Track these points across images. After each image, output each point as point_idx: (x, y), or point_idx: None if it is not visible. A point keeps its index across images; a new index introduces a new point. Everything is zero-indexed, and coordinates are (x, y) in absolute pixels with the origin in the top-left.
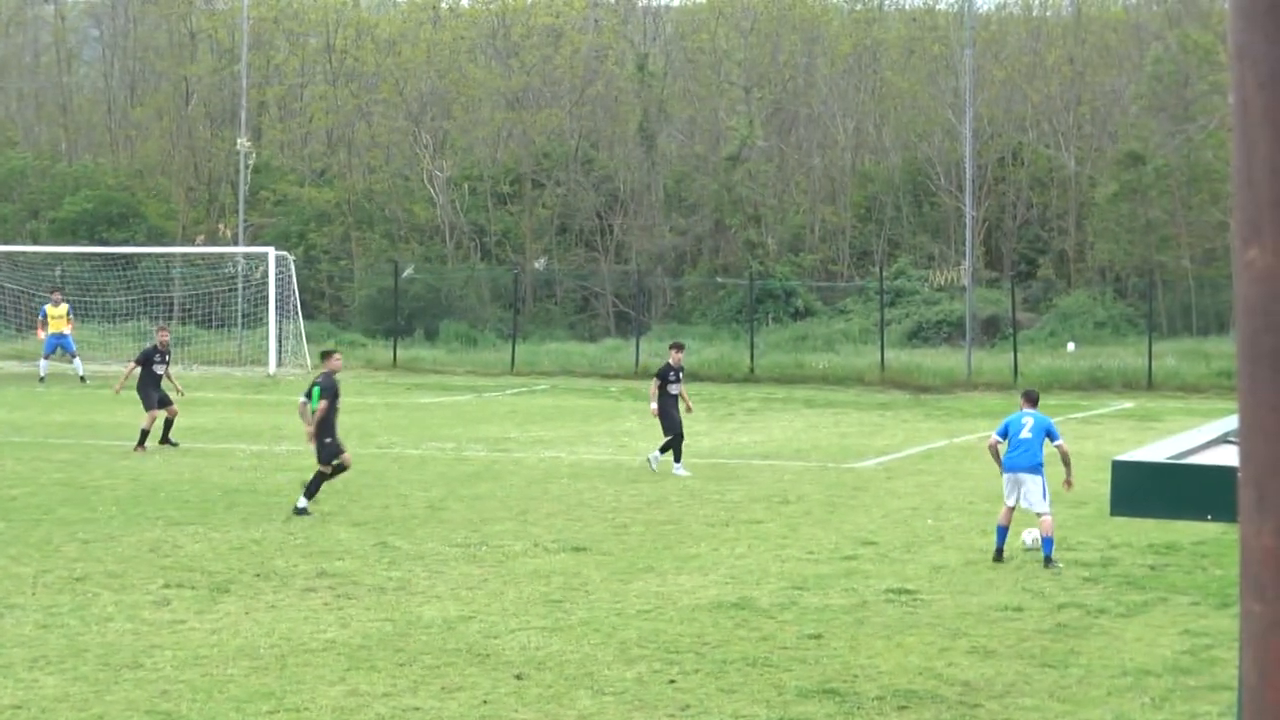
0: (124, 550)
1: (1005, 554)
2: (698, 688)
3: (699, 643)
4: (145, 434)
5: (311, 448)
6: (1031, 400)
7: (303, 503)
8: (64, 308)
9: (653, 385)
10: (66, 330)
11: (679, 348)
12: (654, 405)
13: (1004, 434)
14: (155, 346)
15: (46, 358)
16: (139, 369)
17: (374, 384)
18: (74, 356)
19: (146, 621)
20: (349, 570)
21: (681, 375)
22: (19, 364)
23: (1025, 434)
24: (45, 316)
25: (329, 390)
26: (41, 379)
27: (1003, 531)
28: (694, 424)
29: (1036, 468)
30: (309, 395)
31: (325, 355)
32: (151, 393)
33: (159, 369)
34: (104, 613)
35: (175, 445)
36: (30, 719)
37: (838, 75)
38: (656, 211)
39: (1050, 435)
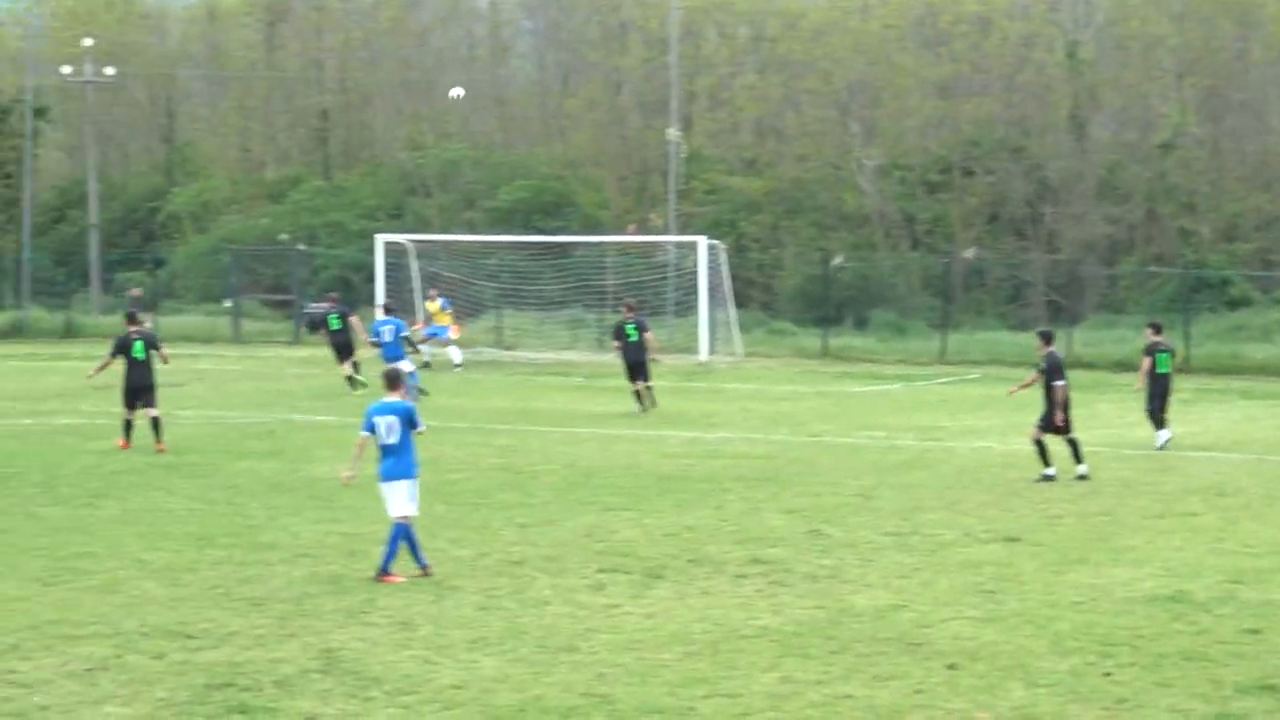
0: (560, 535)
1: None
2: (1133, 681)
3: (1134, 636)
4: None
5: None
6: None
7: (1083, 469)
8: (438, 303)
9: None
10: (447, 324)
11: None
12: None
13: None
14: (624, 320)
15: (424, 341)
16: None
17: (804, 372)
18: (447, 344)
19: (582, 605)
20: (781, 557)
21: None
22: (457, 352)
23: None
24: (427, 313)
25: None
26: (457, 365)
27: None
28: (1126, 414)
29: None
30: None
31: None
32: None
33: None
34: (541, 596)
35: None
36: (470, 698)
37: (1274, 60)
38: (1088, 199)
39: None
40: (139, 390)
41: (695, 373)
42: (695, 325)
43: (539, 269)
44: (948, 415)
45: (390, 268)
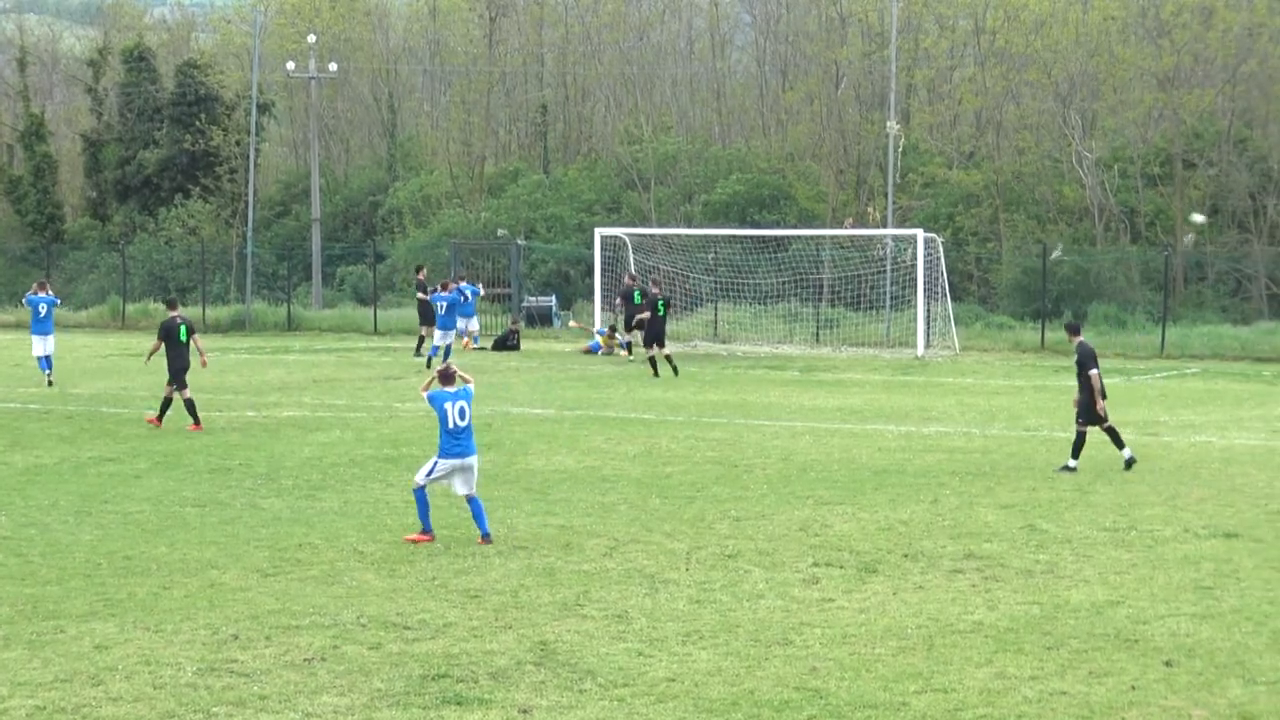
0: (774, 529)
1: None
2: None
3: None
4: None
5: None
6: None
7: (1072, 463)
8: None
9: None
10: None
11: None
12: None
13: None
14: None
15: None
16: None
17: (1022, 366)
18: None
19: (796, 599)
20: (996, 552)
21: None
22: (675, 344)
23: None
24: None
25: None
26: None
27: None
28: None
29: None
30: None
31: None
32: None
33: None
34: (755, 589)
35: None
36: (683, 691)
37: None
38: None
39: None
40: (184, 370)
41: (912, 366)
42: (912, 319)
43: (755, 262)
44: (1166, 410)
45: (608, 261)
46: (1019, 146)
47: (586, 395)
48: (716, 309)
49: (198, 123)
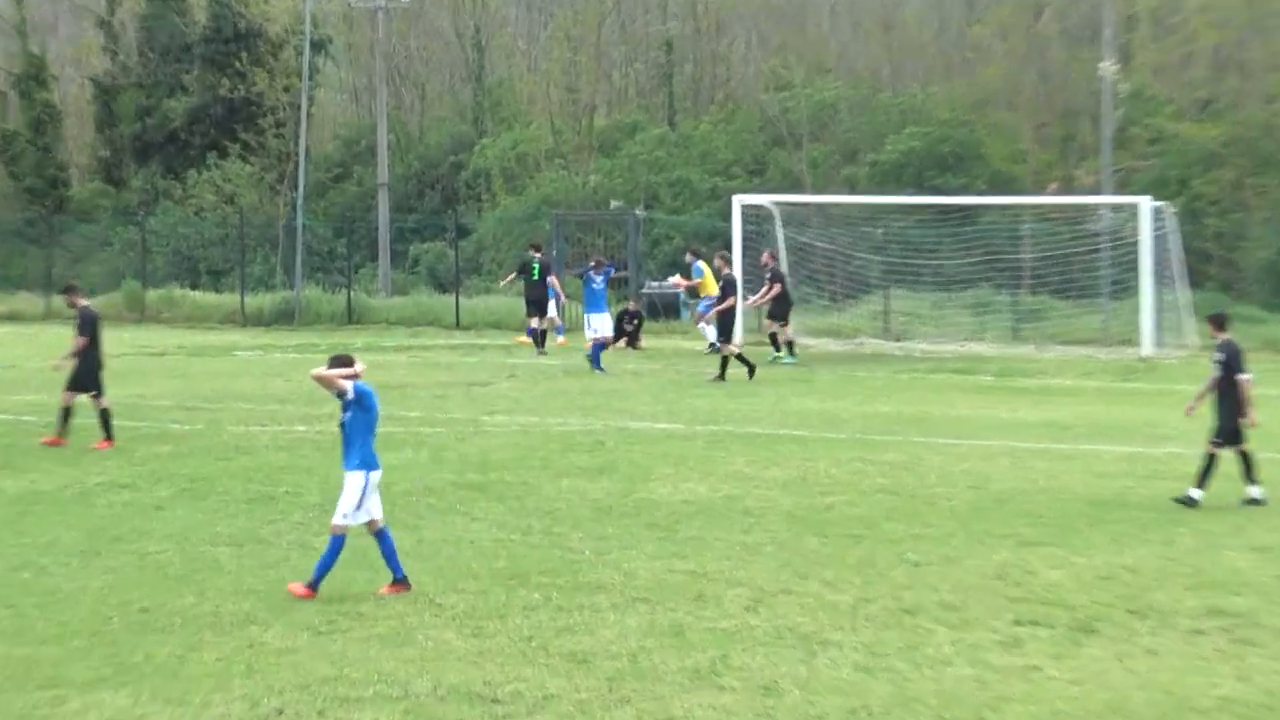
0: (963, 576)
1: None
2: None
3: None
4: None
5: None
6: None
7: (1195, 493)
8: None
9: None
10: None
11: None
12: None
13: None
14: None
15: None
16: None
17: (1276, 369)
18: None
19: (992, 666)
20: (1248, 608)
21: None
22: (837, 342)
23: None
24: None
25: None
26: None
27: None
28: None
29: None
30: None
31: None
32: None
33: None
34: (939, 654)
35: None
36: None
37: None
38: None
39: None
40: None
41: (1136, 370)
42: (1136, 310)
43: (936, 239)
44: None
45: (750, 237)
46: (1269, 93)
47: (723, 405)
48: (887, 297)
49: (237, 64)
